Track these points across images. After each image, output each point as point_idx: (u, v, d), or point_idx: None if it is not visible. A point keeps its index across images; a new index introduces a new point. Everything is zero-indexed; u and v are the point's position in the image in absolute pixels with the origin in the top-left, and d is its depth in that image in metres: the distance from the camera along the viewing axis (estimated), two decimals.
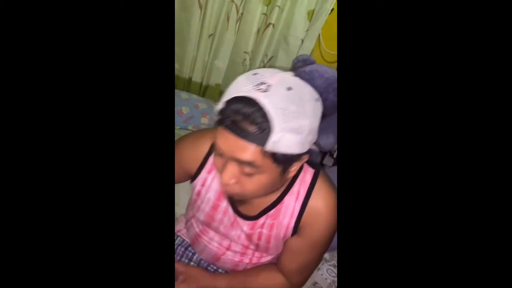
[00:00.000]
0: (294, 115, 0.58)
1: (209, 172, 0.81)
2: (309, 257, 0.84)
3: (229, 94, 0.60)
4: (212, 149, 0.79)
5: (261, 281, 0.89)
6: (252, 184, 0.64)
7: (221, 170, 0.65)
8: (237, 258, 0.91)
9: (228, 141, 0.60)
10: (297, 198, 0.78)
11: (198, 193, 0.84)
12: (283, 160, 0.63)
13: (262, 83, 0.58)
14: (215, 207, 0.83)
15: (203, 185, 0.83)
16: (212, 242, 0.91)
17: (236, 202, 0.81)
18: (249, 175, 0.63)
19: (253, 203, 0.80)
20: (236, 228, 0.85)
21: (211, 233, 0.90)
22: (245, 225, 0.83)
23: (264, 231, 0.82)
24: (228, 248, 0.90)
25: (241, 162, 0.61)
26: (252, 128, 0.58)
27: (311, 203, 0.78)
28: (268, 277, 0.89)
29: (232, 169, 0.63)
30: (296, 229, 0.80)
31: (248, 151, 0.59)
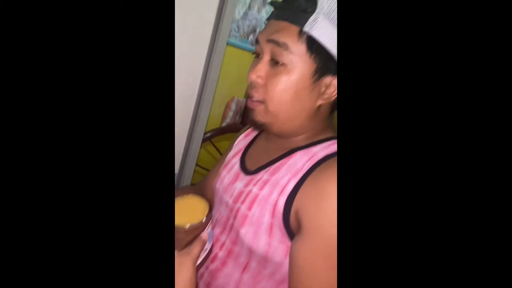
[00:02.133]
0: (335, 6, 0.57)
1: (246, 135, 0.79)
2: (322, 269, 0.52)
3: None
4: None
5: None
6: (278, 82, 0.57)
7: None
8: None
9: (268, 28, 0.59)
10: (310, 157, 0.59)
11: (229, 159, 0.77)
12: (318, 54, 0.56)
13: None
14: (227, 163, 0.75)
15: (235, 145, 0.79)
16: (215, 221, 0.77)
17: (247, 157, 0.71)
18: (277, 70, 0.57)
19: (264, 157, 0.66)
20: (231, 188, 0.67)
21: (215, 209, 0.74)
22: (243, 180, 0.65)
23: (254, 188, 0.61)
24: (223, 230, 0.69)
25: (273, 43, 0.57)
26: (292, 7, 0.57)
27: (316, 174, 0.55)
28: None
29: (261, 65, 0.59)
30: (291, 199, 0.55)
31: (285, 30, 0.56)
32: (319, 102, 0.60)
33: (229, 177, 0.70)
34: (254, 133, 0.77)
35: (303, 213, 0.54)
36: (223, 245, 0.64)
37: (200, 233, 0.53)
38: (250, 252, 0.59)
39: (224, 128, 1.61)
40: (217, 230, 0.67)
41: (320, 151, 0.59)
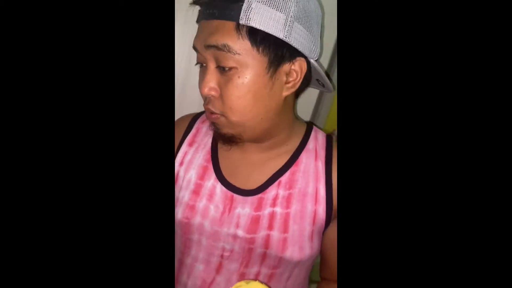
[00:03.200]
0: None
1: (190, 144, 0.65)
2: None
3: None
4: (192, 125, 0.66)
5: None
6: (232, 90, 0.50)
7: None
8: (233, 282, 0.59)
9: (201, 32, 0.51)
10: (316, 156, 0.59)
11: (176, 177, 0.63)
12: (267, 45, 0.49)
13: None
14: (197, 189, 0.60)
15: (181, 163, 0.63)
16: (196, 264, 0.61)
17: (226, 174, 0.59)
18: (227, 76, 0.50)
19: (256, 172, 0.59)
20: (231, 217, 0.58)
21: (193, 249, 0.61)
22: (247, 203, 0.58)
23: (278, 209, 0.56)
24: (219, 268, 0.60)
25: (214, 48, 0.49)
26: (222, 4, 0.48)
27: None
28: None
29: (210, 75, 0.51)
30: (330, 201, 0.56)
31: (220, 30, 0.48)
32: (285, 93, 0.55)
33: (215, 205, 0.59)
34: (199, 147, 0.64)
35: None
36: (258, 274, 0.60)
37: None
38: (296, 264, 0.59)
39: None
40: (234, 265, 0.60)
41: (318, 147, 0.61)
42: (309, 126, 0.65)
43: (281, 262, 0.58)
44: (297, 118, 0.66)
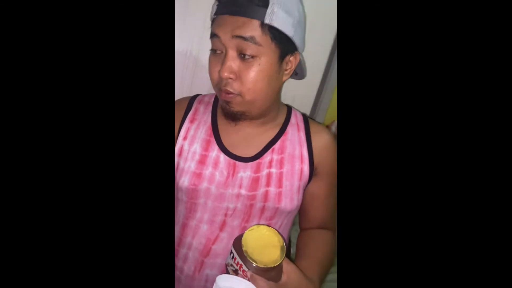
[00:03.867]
0: None
1: (191, 121, 0.74)
2: (333, 196, 0.78)
3: None
4: (190, 105, 0.76)
5: (325, 251, 0.73)
6: (254, 74, 0.61)
7: (218, 69, 0.62)
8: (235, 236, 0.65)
9: (226, 24, 0.60)
10: (298, 128, 0.76)
11: (180, 151, 0.72)
12: (280, 40, 0.62)
13: None
14: (202, 159, 0.70)
15: (185, 137, 0.72)
16: (201, 225, 0.71)
17: (228, 146, 0.70)
18: (248, 63, 0.61)
19: (252, 142, 0.71)
20: (235, 180, 0.69)
21: (199, 212, 0.70)
22: (248, 168, 0.70)
23: (274, 170, 0.70)
24: (223, 226, 0.70)
25: (241, 38, 0.59)
26: (248, 3, 0.59)
27: (316, 135, 0.75)
28: (323, 242, 0.74)
29: (232, 59, 0.61)
30: (312, 162, 0.72)
31: (248, 25, 0.59)
32: (284, 78, 0.69)
33: (220, 172, 0.69)
34: (199, 123, 0.73)
35: (322, 165, 0.74)
36: None
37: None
38: (287, 214, 0.73)
39: None
40: (237, 221, 0.71)
41: (298, 121, 0.76)
42: (289, 106, 0.81)
43: (276, 213, 0.72)
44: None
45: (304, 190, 0.76)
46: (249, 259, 0.51)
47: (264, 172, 0.70)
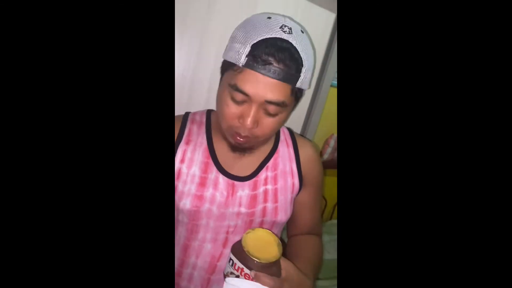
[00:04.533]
0: (309, 54, 0.63)
1: (187, 143, 0.75)
2: (319, 203, 0.86)
3: (254, 36, 0.60)
4: (184, 125, 0.77)
5: (315, 253, 0.79)
6: (273, 123, 0.65)
7: (240, 117, 0.63)
8: None
9: (258, 84, 0.60)
10: (287, 144, 0.81)
11: (178, 173, 0.73)
12: (299, 97, 0.67)
13: (284, 25, 0.61)
14: (202, 182, 0.73)
15: (182, 160, 0.74)
16: (205, 244, 0.74)
17: (225, 167, 0.74)
18: (272, 115, 0.64)
19: (246, 161, 0.76)
20: (234, 199, 0.73)
21: (201, 232, 0.73)
22: (246, 186, 0.75)
23: (269, 186, 0.76)
24: (225, 243, 0.74)
25: (272, 103, 0.61)
26: (285, 68, 0.59)
27: (302, 149, 0.81)
28: (313, 245, 0.80)
29: (257, 113, 0.62)
30: (300, 175, 0.79)
31: (281, 91, 0.61)
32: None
33: (220, 192, 0.73)
34: (195, 145, 0.75)
35: (308, 176, 0.80)
36: None
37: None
38: (282, 225, 0.79)
39: (323, 162, 1.65)
40: (238, 237, 0.74)
41: (286, 137, 0.82)
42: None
43: (273, 226, 0.78)
44: None
45: (294, 200, 0.82)
46: (252, 257, 0.55)
47: (261, 189, 0.75)
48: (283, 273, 0.60)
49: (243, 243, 0.57)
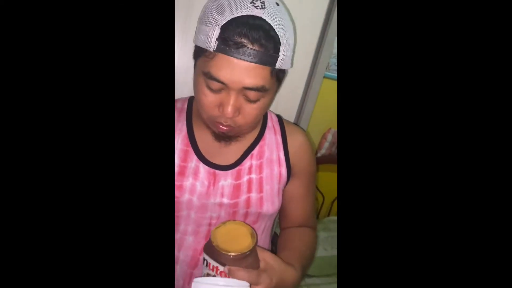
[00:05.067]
0: (287, 30, 0.56)
1: None
2: (311, 194, 0.80)
3: (223, 15, 0.53)
4: None
5: (305, 243, 0.73)
6: (255, 110, 0.60)
7: (220, 105, 0.58)
8: None
9: (233, 70, 0.54)
10: (275, 132, 0.76)
11: None
12: (282, 78, 0.62)
13: (255, 0, 0.54)
14: (182, 171, 0.68)
15: None
16: (186, 237, 0.70)
17: (207, 155, 0.68)
18: (253, 101, 0.58)
19: (230, 149, 0.70)
20: (216, 189, 0.68)
21: (182, 224, 0.69)
22: (228, 176, 0.69)
23: (254, 175, 0.70)
24: (208, 235, 0.69)
25: (251, 89, 0.56)
26: (261, 49, 0.53)
27: (291, 136, 0.76)
28: (302, 236, 0.75)
29: (236, 100, 0.57)
30: (288, 164, 0.73)
31: (260, 74, 0.55)
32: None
33: (200, 182, 0.68)
34: (175, 132, 0.71)
35: (297, 166, 0.75)
36: None
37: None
38: (269, 217, 0.74)
39: (319, 158, 1.61)
40: None
41: (274, 124, 0.77)
42: None
43: (259, 217, 0.72)
44: None
45: (283, 191, 0.77)
46: (222, 252, 0.51)
47: (245, 178, 0.71)
48: (262, 264, 0.55)
49: (212, 238, 0.53)
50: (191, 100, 0.77)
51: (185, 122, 0.73)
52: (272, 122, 0.78)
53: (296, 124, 1.03)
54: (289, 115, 1.18)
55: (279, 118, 0.80)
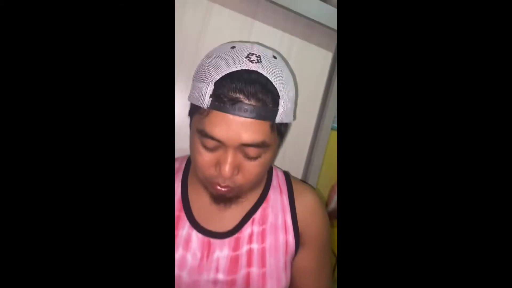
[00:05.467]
0: (287, 82, 0.54)
1: None
2: (326, 267, 0.67)
3: (217, 71, 0.51)
4: None
5: None
6: (256, 168, 0.55)
7: (217, 164, 0.53)
8: None
9: (229, 127, 0.50)
10: (281, 192, 0.66)
11: None
12: (284, 132, 0.58)
13: (250, 54, 0.52)
14: None
15: None
16: None
17: (201, 220, 0.60)
18: (253, 158, 0.54)
19: (228, 213, 0.61)
20: (210, 262, 0.59)
21: None
22: (225, 245, 0.60)
23: (255, 245, 0.60)
24: None
25: (250, 146, 0.51)
26: (258, 104, 0.50)
27: (300, 197, 0.66)
28: None
29: (235, 158, 0.53)
30: (297, 231, 0.62)
31: (259, 130, 0.51)
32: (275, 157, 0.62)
33: (192, 254, 0.59)
34: None
35: (307, 232, 0.64)
36: None
37: None
38: None
39: (329, 213, 1.52)
40: None
41: (280, 182, 0.68)
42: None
43: None
44: None
45: (291, 264, 0.66)
46: None
47: (244, 249, 0.61)
48: None
49: None
50: (189, 159, 0.72)
51: (179, 184, 0.66)
52: (278, 180, 0.70)
53: (305, 181, 0.97)
54: (297, 170, 1.13)
55: (286, 175, 0.72)
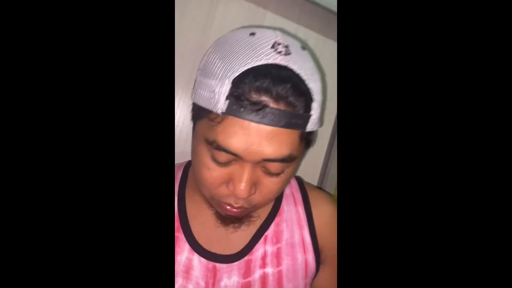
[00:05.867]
0: (319, 81, 0.44)
1: None
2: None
3: (235, 65, 0.39)
4: None
5: None
6: (277, 184, 0.45)
7: (229, 181, 0.43)
8: None
9: (250, 136, 0.40)
10: (295, 202, 0.56)
11: None
12: (311, 141, 0.48)
13: (277, 43, 0.40)
14: None
15: None
16: None
17: (203, 241, 0.50)
18: (275, 174, 0.44)
19: (234, 233, 0.51)
20: None
21: None
22: (234, 271, 0.50)
23: (269, 269, 0.50)
24: None
25: (274, 160, 0.41)
26: (289, 109, 0.40)
27: (317, 208, 0.56)
28: None
29: (253, 175, 0.43)
30: (317, 248, 0.53)
31: (287, 142, 0.41)
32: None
33: (194, 284, 0.48)
34: None
35: (328, 248, 0.54)
36: None
37: None
38: None
39: None
40: None
41: (293, 190, 0.58)
42: None
43: None
44: None
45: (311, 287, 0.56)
46: None
47: (257, 274, 0.50)
48: None
49: None
50: (187, 167, 0.60)
51: (176, 197, 0.56)
52: (291, 188, 0.59)
53: (320, 188, 0.87)
54: (312, 177, 1.03)
55: (300, 181, 0.61)
